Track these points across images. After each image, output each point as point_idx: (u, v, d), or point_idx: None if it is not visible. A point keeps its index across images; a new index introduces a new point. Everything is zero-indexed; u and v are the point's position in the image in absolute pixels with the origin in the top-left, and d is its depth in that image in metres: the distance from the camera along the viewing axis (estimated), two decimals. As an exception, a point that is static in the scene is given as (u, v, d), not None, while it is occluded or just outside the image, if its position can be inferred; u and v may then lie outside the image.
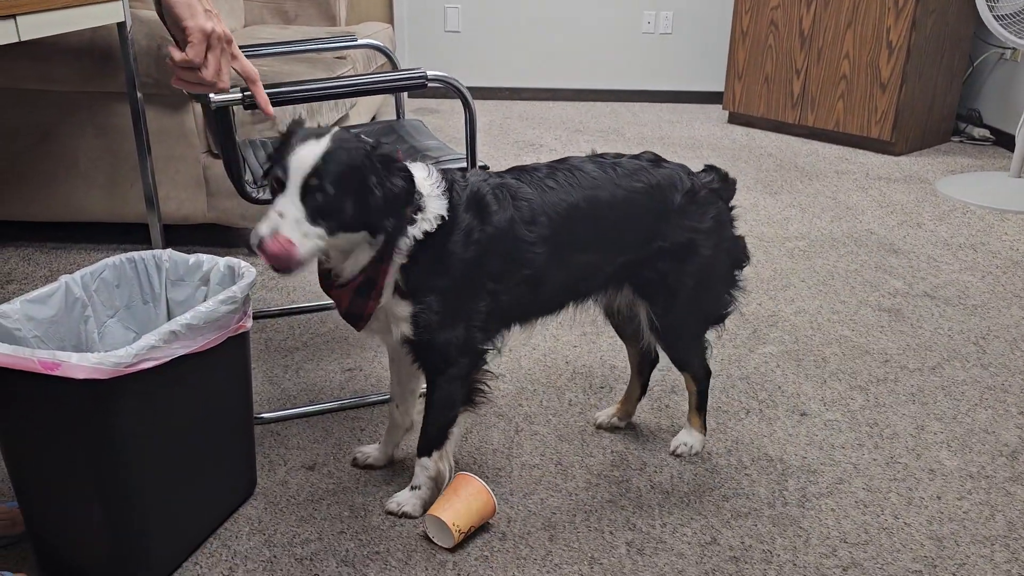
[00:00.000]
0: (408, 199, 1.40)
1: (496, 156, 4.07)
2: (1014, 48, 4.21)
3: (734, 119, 4.84)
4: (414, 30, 5.31)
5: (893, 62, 4.07)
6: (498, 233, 1.48)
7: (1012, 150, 3.95)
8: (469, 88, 1.85)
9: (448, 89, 1.80)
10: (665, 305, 1.66)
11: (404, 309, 1.48)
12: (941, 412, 2.01)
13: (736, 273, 1.73)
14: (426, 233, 1.44)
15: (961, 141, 4.52)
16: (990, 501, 1.71)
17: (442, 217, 1.45)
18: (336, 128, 1.40)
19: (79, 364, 1.22)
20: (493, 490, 1.70)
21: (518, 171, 1.58)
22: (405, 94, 2.46)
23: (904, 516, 1.66)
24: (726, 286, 1.72)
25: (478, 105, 1.65)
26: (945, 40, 4.18)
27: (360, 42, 2.49)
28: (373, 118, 4.32)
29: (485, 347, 1.56)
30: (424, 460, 1.61)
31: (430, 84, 1.78)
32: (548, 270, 1.54)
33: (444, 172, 1.52)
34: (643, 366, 1.90)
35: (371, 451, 1.79)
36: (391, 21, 5.28)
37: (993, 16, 3.65)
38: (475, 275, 1.49)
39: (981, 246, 3.05)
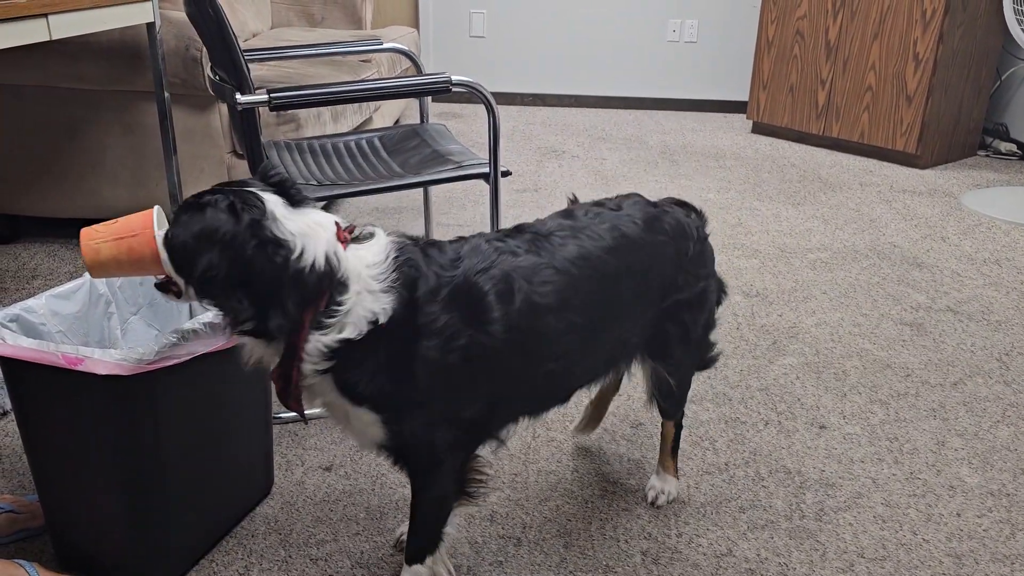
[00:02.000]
0: (282, 289, 1.13)
1: (519, 162, 4.07)
2: (1043, 62, 4.17)
3: (758, 129, 4.82)
4: (439, 35, 5.33)
5: (920, 74, 4.04)
6: (508, 337, 1.24)
7: (1039, 165, 3.91)
8: (493, 93, 1.86)
9: (472, 94, 1.81)
10: (678, 360, 1.55)
11: (366, 416, 1.23)
12: (962, 428, 1.99)
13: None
14: (349, 340, 1.16)
15: (987, 155, 4.48)
16: (1011, 519, 1.68)
17: (374, 323, 1.16)
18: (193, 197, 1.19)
19: (102, 360, 1.24)
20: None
21: (533, 239, 1.34)
22: (429, 98, 2.47)
23: (923, 532, 1.64)
24: (713, 328, 1.63)
25: (501, 110, 1.65)
26: (973, 53, 4.15)
27: (385, 46, 2.51)
28: (396, 121, 4.34)
29: (483, 444, 1.35)
30: (416, 568, 1.37)
31: (454, 89, 1.79)
32: (579, 355, 1.35)
33: (410, 251, 1.23)
34: (606, 398, 1.86)
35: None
36: (416, 25, 5.30)
37: (1022, 30, 3.62)
38: (466, 384, 1.24)
39: (1006, 261, 3.02)
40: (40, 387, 1.34)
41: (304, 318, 1.14)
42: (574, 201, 1.52)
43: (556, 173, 3.92)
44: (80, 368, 1.24)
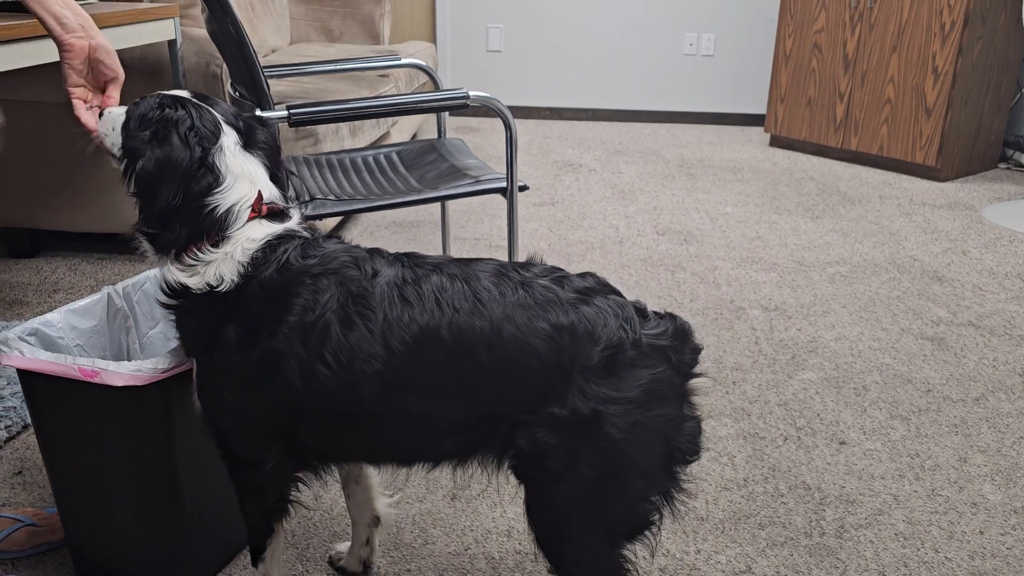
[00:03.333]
0: (186, 212, 1.17)
1: (536, 176, 4.08)
2: (1065, 74, 4.13)
3: (776, 142, 4.80)
4: (456, 49, 5.36)
5: (939, 87, 4.02)
6: (290, 348, 1.15)
7: (1062, 178, 3.87)
8: (509, 107, 1.86)
9: (490, 109, 1.81)
10: (546, 496, 1.18)
11: (192, 375, 1.25)
12: (985, 444, 1.96)
13: (673, 470, 1.19)
14: (188, 288, 1.19)
15: (1008, 168, 4.44)
16: (1036, 538, 1.66)
17: (212, 287, 1.17)
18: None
19: (117, 372, 1.25)
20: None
21: (398, 267, 1.19)
22: (446, 113, 2.48)
23: (945, 550, 1.62)
24: (649, 487, 1.18)
25: (518, 124, 1.66)
26: (992, 66, 4.12)
27: (403, 61, 2.52)
28: (414, 136, 4.36)
29: (295, 465, 1.29)
30: (253, 570, 1.38)
31: (471, 104, 1.79)
32: (377, 409, 1.16)
33: (287, 240, 1.20)
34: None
35: (344, 551, 1.54)
36: (434, 40, 5.33)
37: (1043, 42, 3.59)
38: (254, 384, 1.18)
39: (1028, 275, 2.99)
40: (58, 400, 1.35)
41: (188, 248, 1.19)
42: (531, 261, 1.24)
43: (573, 187, 3.92)
44: (96, 380, 1.25)
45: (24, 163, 2.79)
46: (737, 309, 2.64)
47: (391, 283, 1.16)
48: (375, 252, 1.22)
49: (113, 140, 1.27)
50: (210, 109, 1.24)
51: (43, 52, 1.84)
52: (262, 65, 1.75)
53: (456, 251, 3.09)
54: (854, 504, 1.74)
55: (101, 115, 1.32)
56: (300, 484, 1.33)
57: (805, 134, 4.60)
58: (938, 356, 2.38)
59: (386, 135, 3.54)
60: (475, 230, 3.34)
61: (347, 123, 2.94)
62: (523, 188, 1.94)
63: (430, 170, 2.12)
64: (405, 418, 1.17)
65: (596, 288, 1.18)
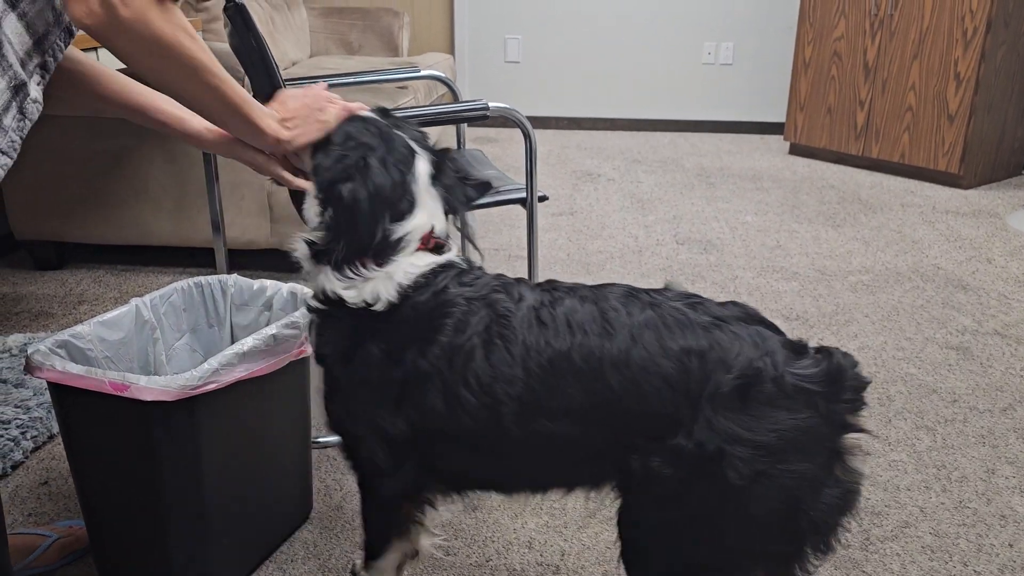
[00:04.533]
0: (363, 230, 1.18)
1: (554, 186, 4.08)
2: (1089, 80, 4.09)
3: (795, 150, 4.78)
4: (475, 60, 5.38)
5: (961, 94, 3.99)
6: (435, 368, 1.16)
7: (1087, 184, 3.82)
8: (528, 117, 1.86)
9: (509, 120, 1.82)
10: (643, 517, 1.14)
11: (317, 382, 1.28)
12: (1013, 456, 1.94)
13: (798, 537, 1.08)
14: (342, 299, 1.20)
15: (1033, 175, 4.40)
16: (1066, 550, 1.64)
17: (364, 302, 1.18)
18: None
19: (147, 386, 1.26)
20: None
21: (539, 293, 1.20)
22: (465, 124, 2.49)
23: (974, 564, 1.60)
24: (758, 545, 1.09)
25: (537, 134, 1.67)
26: (1016, 72, 4.09)
27: (422, 73, 2.54)
28: (433, 147, 4.37)
29: (427, 485, 1.30)
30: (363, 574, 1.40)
31: (491, 115, 1.80)
32: (511, 435, 1.15)
33: (441, 269, 1.22)
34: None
35: None
36: (452, 52, 5.35)
37: (1067, 47, 3.55)
38: (391, 401, 1.20)
39: (1055, 283, 2.95)
40: (86, 412, 1.36)
41: (352, 262, 1.18)
42: (668, 287, 1.23)
43: (592, 196, 3.92)
44: (126, 394, 1.26)
45: (49, 176, 2.82)
46: (759, 319, 2.62)
47: (531, 307, 1.17)
48: (521, 280, 1.24)
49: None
50: (400, 134, 1.25)
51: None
52: (283, 79, 1.76)
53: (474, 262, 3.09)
54: (880, 516, 1.73)
55: None
56: (429, 507, 1.34)
57: (825, 142, 4.58)
58: (963, 366, 2.35)
59: (406, 146, 3.55)
60: (494, 240, 3.34)
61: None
62: (542, 198, 1.94)
63: (450, 181, 2.13)
64: (540, 442, 1.14)
65: (738, 315, 1.13)
